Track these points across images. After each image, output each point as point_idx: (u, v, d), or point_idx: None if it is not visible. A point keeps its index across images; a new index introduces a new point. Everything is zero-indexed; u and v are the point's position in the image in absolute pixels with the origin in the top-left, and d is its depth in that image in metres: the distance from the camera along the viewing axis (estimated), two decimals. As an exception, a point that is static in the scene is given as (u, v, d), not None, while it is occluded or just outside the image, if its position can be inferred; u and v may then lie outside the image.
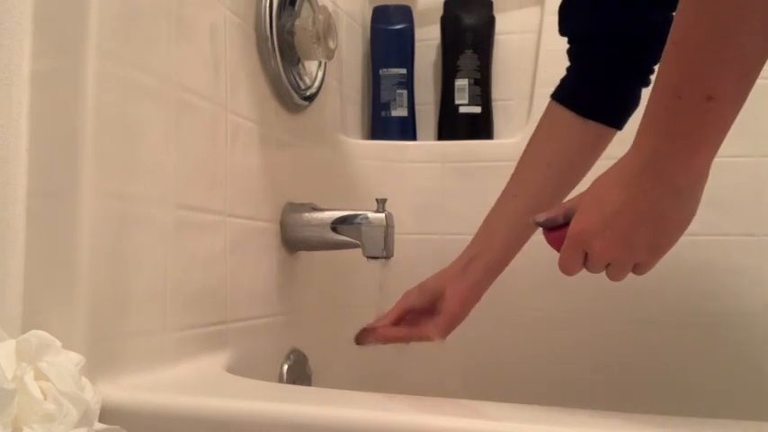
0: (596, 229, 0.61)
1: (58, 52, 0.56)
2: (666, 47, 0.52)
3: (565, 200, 0.71)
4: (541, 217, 0.68)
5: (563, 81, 0.83)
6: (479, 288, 0.84)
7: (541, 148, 0.81)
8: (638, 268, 0.62)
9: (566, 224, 0.65)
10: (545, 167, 0.80)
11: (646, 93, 0.67)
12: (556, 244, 0.67)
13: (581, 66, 0.82)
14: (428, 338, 0.82)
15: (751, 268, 1.02)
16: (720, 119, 0.51)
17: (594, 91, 0.79)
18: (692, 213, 0.58)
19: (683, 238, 1.02)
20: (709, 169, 0.55)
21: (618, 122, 0.79)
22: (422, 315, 0.84)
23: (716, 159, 0.99)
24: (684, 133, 0.53)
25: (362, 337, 0.84)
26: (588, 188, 0.63)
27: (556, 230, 0.67)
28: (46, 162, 0.55)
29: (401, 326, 0.84)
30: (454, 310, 0.82)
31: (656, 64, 0.65)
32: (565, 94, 0.81)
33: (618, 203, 0.58)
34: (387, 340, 0.84)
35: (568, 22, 0.83)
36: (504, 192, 0.83)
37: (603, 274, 0.64)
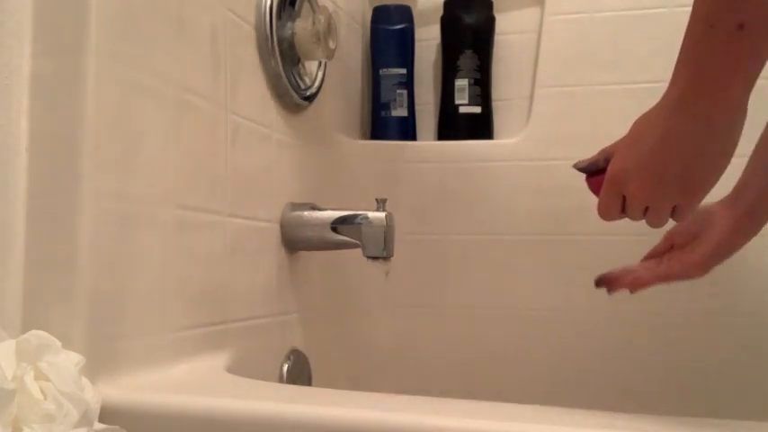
0: (632, 169, 0.60)
1: (58, 52, 0.56)
2: None
3: None
4: (583, 163, 0.68)
5: None
6: (755, 215, 0.75)
7: None
8: (676, 212, 0.61)
9: (605, 169, 0.64)
10: None
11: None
12: (596, 189, 0.66)
13: None
14: (688, 275, 0.75)
15: (751, 268, 1.02)
16: (752, 48, 0.50)
17: None
18: (729, 153, 0.56)
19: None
20: (745, 106, 0.54)
21: None
22: (680, 252, 0.76)
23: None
24: (717, 64, 0.52)
25: (611, 283, 0.78)
26: (628, 131, 0.62)
27: (596, 175, 0.67)
28: (46, 162, 0.55)
29: (654, 266, 0.76)
30: (723, 237, 0.74)
31: None
32: None
33: (653, 142, 0.58)
34: (641, 285, 0.77)
35: None
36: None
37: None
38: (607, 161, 0.65)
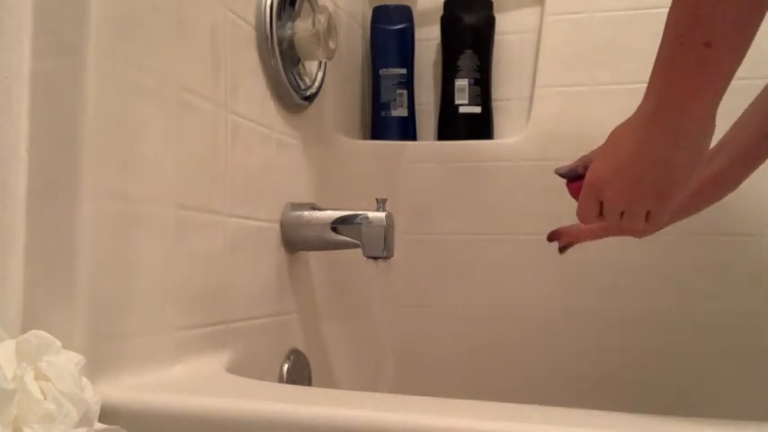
0: (609, 176, 0.63)
1: (58, 52, 0.56)
2: None
3: None
4: (563, 168, 0.73)
5: None
6: (719, 181, 0.77)
7: None
8: (650, 217, 0.64)
9: (584, 175, 0.68)
10: None
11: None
12: (575, 193, 0.70)
13: None
14: (639, 232, 0.76)
15: (751, 268, 1.02)
16: (718, 66, 0.54)
17: None
18: (697, 163, 0.59)
19: (683, 238, 1.02)
20: (712, 119, 0.57)
21: None
22: None
23: (716, 159, 0.97)
24: (685, 79, 0.55)
25: (559, 236, 0.80)
26: (606, 140, 0.66)
27: (576, 181, 0.71)
28: (46, 162, 0.55)
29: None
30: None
31: None
32: None
33: (628, 151, 0.61)
34: (589, 237, 0.79)
35: None
36: (764, 89, 0.77)
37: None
38: (586, 167, 0.68)
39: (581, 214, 0.69)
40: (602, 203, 0.66)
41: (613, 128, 0.64)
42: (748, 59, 0.53)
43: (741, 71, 0.54)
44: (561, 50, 1.11)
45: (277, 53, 0.84)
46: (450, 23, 1.17)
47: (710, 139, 0.59)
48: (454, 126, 1.16)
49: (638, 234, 0.75)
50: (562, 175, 0.73)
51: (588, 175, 0.66)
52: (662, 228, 0.68)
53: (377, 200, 0.85)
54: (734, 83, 0.55)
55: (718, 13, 0.52)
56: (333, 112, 1.06)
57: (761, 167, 1.02)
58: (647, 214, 0.64)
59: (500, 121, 1.17)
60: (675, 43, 0.55)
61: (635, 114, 0.61)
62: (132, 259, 0.59)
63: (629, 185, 0.62)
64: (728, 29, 0.52)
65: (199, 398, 0.54)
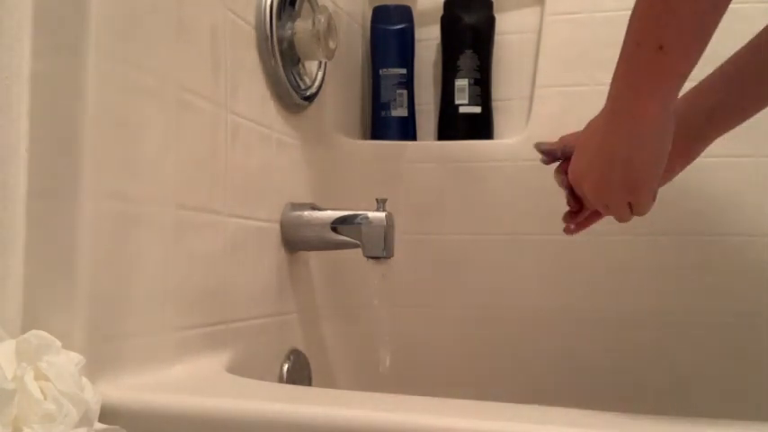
0: (584, 172, 0.67)
1: (58, 52, 0.56)
2: None
3: None
4: (544, 145, 0.77)
5: None
6: (700, 139, 0.75)
7: None
8: (634, 209, 0.66)
9: (562, 159, 0.74)
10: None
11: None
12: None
13: None
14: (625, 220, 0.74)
15: (751, 268, 1.02)
16: (671, 68, 0.56)
17: None
18: (660, 157, 0.61)
19: (683, 238, 1.02)
20: (668, 118, 0.59)
21: None
22: None
23: (716, 159, 1.00)
24: (640, 79, 0.58)
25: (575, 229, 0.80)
26: (581, 134, 0.69)
27: (553, 162, 0.76)
28: (46, 162, 0.55)
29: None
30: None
31: None
32: None
33: (595, 147, 0.64)
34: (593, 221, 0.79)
35: None
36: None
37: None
38: (564, 153, 0.73)
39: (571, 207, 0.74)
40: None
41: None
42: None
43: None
44: (561, 50, 1.11)
45: (277, 53, 0.84)
46: (450, 23, 1.17)
47: (670, 136, 0.60)
48: (454, 126, 1.16)
49: (627, 219, 0.73)
50: (541, 151, 0.77)
51: (569, 170, 0.69)
52: (649, 209, 0.68)
53: (377, 200, 0.85)
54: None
55: (671, 18, 0.54)
56: (333, 112, 1.06)
57: (758, 161, 1.02)
58: (629, 204, 0.66)
59: (500, 121, 1.17)
60: (633, 43, 0.57)
61: (602, 111, 0.64)
62: (132, 259, 0.59)
63: (600, 180, 0.65)
64: (682, 33, 0.54)
65: (199, 398, 0.54)
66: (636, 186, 0.63)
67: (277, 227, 0.86)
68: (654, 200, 0.66)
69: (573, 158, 0.69)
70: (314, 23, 0.86)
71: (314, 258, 0.94)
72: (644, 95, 0.58)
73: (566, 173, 0.72)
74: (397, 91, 1.17)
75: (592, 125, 0.67)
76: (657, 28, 0.55)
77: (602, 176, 0.64)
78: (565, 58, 1.11)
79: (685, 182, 1.03)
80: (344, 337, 1.04)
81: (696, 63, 0.57)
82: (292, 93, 0.88)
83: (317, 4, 0.93)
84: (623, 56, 0.59)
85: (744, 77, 0.72)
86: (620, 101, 0.60)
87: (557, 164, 0.78)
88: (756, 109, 0.74)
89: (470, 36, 1.16)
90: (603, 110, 0.64)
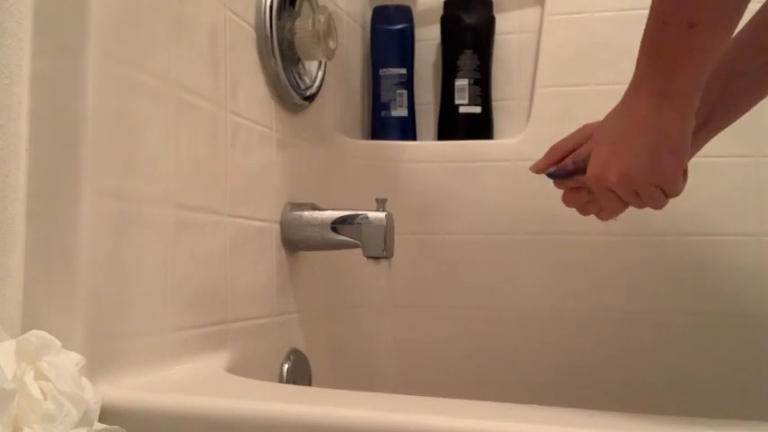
0: (607, 163, 0.64)
1: (58, 52, 0.56)
2: None
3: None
4: (551, 168, 0.73)
5: None
6: (705, 130, 0.73)
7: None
8: (667, 191, 0.64)
9: (575, 171, 0.69)
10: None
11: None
12: (567, 194, 0.72)
13: None
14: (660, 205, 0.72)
15: (751, 268, 1.02)
16: (701, 45, 0.56)
17: None
18: (686, 133, 0.60)
19: (683, 238, 1.02)
20: (696, 91, 0.59)
21: None
22: None
23: (716, 159, 1.00)
24: (670, 56, 0.57)
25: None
26: (596, 131, 0.67)
27: (562, 179, 0.72)
28: (46, 162, 0.55)
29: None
30: None
31: None
32: None
33: (617, 134, 0.63)
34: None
35: None
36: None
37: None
38: (575, 164, 0.69)
39: (605, 212, 0.69)
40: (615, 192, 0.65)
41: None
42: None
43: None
44: (561, 50, 1.11)
45: (277, 53, 0.84)
46: (450, 23, 1.17)
47: (694, 110, 0.60)
48: (454, 126, 1.16)
49: (662, 205, 0.71)
50: (550, 175, 0.73)
51: (589, 170, 0.66)
52: (682, 189, 0.66)
53: (377, 200, 0.85)
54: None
55: None
56: (333, 112, 1.06)
57: (758, 161, 1.02)
58: (663, 191, 0.64)
59: (500, 121, 1.17)
60: (660, 22, 0.57)
61: (624, 96, 0.63)
62: (132, 259, 0.59)
63: (629, 162, 0.62)
64: (714, 10, 0.54)
65: (199, 398, 0.54)
66: (665, 162, 0.61)
67: (277, 227, 0.86)
68: (685, 179, 0.65)
69: (592, 155, 0.66)
70: (314, 23, 0.86)
71: (314, 258, 0.94)
72: (676, 70, 0.57)
73: (576, 188, 0.70)
74: (397, 91, 1.17)
75: (609, 117, 0.65)
76: (688, 5, 0.54)
77: (629, 162, 0.62)
78: (565, 58, 1.11)
79: (685, 182, 1.03)
80: (344, 337, 1.04)
81: (729, 39, 0.57)
82: (292, 93, 0.88)
83: (317, 4, 0.93)
84: (648, 36, 0.58)
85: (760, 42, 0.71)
86: (645, 82, 0.59)
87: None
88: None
89: (470, 36, 1.16)
90: (624, 98, 0.62)
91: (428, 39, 1.21)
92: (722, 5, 0.54)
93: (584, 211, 0.74)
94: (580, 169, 0.69)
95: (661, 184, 0.63)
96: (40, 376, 0.46)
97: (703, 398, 1.00)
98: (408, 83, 1.18)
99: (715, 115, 0.72)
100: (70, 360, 0.49)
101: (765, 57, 0.71)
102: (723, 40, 0.56)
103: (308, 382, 0.90)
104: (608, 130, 0.65)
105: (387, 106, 1.17)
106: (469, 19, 1.16)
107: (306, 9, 0.91)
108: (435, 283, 1.11)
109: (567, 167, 0.71)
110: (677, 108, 0.59)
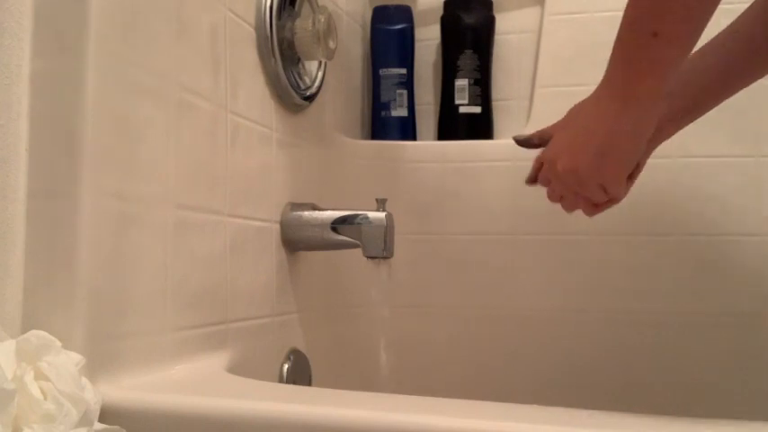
0: (559, 151, 0.68)
1: (58, 52, 0.56)
2: None
3: None
4: (521, 136, 0.79)
5: None
6: (675, 121, 0.74)
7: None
8: (606, 189, 0.66)
9: (539, 145, 0.74)
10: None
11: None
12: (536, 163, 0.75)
13: None
14: (593, 208, 0.74)
15: (751, 268, 1.02)
16: (664, 54, 0.58)
17: None
18: (640, 136, 0.63)
19: (682, 238, 1.03)
20: (655, 100, 0.61)
21: None
22: None
23: (716, 159, 1.00)
24: (633, 62, 0.60)
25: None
26: (569, 112, 0.70)
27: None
28: (46, 162, 0.55)
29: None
30: None
31: None
32: None
33: (582, 123, 0.65)
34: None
35: None
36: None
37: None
38: (541, 139, 0.73)
39: (550, 196, 0.73)
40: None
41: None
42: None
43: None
44: (561, 50, 1.11)
45: (277, 53, 0.84)
46: (449, 23, 1.17)
47: (654, 119, 0.62)
48: (454, 126, 1.16)
49: (596, 208, 0.73)
50: (518, 141, 0.78)
51: (544, 152, 0.70)
52: (624, 194, 0.69)
53: (377, 200, 0.85)
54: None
55: (666, 6, 0.55)
56: (333, 112, 1.06)
57: (758, 161, 1.02)
58: (602, 186, 0.66)
59: (500, 121, 1.17)
60: (628, 29, 0.59)
61: (590, 96, 0.65)
62: (132, 259, 0.59)
63: (577, 155, 0.65)
64: (676, 21, 0.56)
65: (199, 398, 0.54)
66: (608, 172, 0.64)
67: (277, 227, 0.86)
68: (631, 183, 0.67)
69: (552, 138, 0.70)
70: (314, 23, 0.86)
71: (314, 258, 0.94)
72: (639, 76, 0.60)
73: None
74: (397, 91, 1.17)
75: (574, 109, 0.69)
76: (653, 14, 0.56)
77: (578, 159, 0.65)
78: (565, 58, 1.11)
79: (685, 182, 1.03)
80: (344, 337, 1.04)
81: (690, 51, 0.58)
82: (292, 93, 0.88)
83: (317, 4, 0.93)
84: (617, 40, 0.60)
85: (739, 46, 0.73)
86: (612, 84, 0.62)
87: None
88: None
89: (470, 36, 1.16)
90: (592, 94, 0.65)
91: (428, 39, 1.21)
92: (685, 17, 0.56)
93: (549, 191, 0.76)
94: (543, 146, 0.74)
95: (604, 185, 0.66)
96: (40, 376, 0.46)
97: (703, 398, 1.00)
98: (408, 83, 1.18)
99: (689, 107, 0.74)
100: (70, 360, 0.49)
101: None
102: (685, 51, 0.58)
103: (308, 382, 0.90)
104: (572, 120, 0.68)
105: (387, 106, 1.17)
106: (469, 19, 1.16)
107: (306, 9, 0.91)
108: (435, 284, 1.12)
109: (532, 140, 0.76)
110: (633, 115, 0.61)
